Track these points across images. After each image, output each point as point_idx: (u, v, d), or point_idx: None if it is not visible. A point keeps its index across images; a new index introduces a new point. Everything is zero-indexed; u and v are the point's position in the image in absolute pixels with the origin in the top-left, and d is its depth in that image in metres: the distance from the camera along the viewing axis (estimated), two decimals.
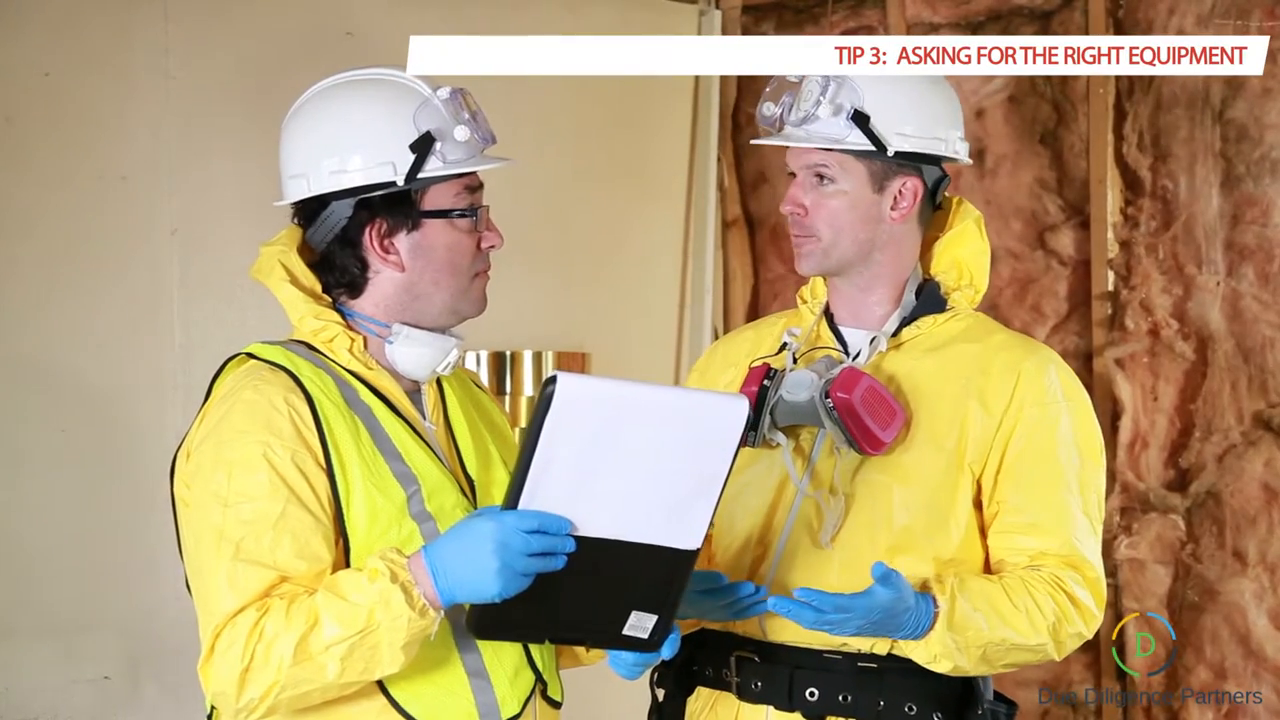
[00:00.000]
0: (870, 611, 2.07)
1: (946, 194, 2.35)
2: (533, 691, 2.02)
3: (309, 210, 2.02)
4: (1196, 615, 3.65)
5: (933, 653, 2.13)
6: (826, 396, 2.16)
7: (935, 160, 2.28)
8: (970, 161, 2.36)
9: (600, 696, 2.79)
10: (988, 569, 2.24)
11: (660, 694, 2.36)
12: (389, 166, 1.97)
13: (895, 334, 2.28)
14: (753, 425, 2.21)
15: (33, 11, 3.26)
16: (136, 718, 3.33)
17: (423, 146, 1.96)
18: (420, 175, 1.97)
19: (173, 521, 1.99)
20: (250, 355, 1.99)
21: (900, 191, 2.26)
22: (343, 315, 2.02)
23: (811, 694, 2.20)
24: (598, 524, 1.83)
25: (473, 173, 2.01)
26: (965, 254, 2.33)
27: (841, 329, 2.32)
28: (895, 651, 2.18)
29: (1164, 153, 3.71)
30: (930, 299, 2.30)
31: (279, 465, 1.88)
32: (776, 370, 2.25)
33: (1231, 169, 3.63)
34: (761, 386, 2.22)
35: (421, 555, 1.85)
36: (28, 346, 3.25)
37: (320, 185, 1.99)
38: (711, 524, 1.94)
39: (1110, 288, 3.78)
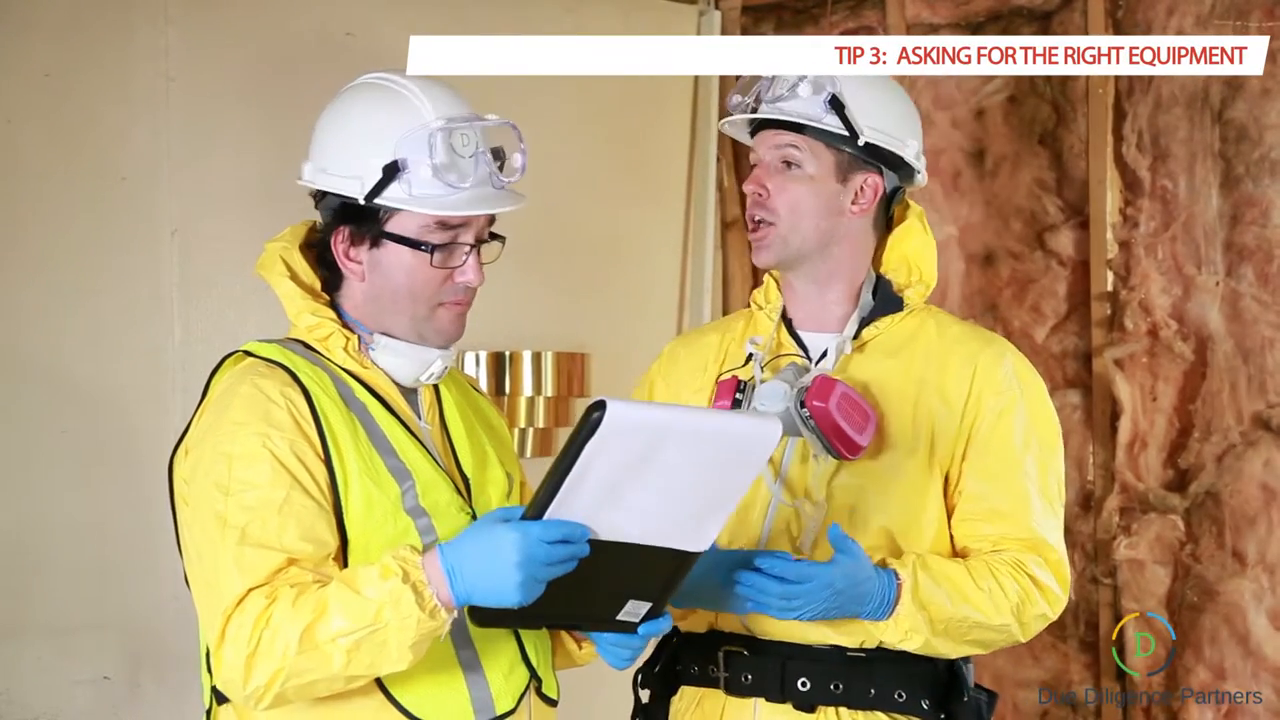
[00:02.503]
0: (833, 581, 2.10)
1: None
2: (527, 688, 2.03)
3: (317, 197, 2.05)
4: (1196, 615, 3.66)
5: (903, 629, 2.17)
6: (802, 406, 2.19)
7: (896, 165, 2.34)
8: (925, 183, 2.40)
9: (596, 696, 2.79)
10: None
11: (645, 695, 2.38)
12: (357, 181, 1.97)
13: (856, 335, 2.31)
14: None
15: (33, 12, 3.26)
16: (136, 718, 3.33)
17: (389, 172, 1.95)
18: (377, 200, 1.96)
19: (172, 519, 2.00)
20: (247, 353, 2.01)
21: (862, 187, 2.31)
22: (339, 314, 2.03)
23: (803, 684, 2.23)
24: (616, 530, 1.85)
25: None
26: (911, 249, 2.37)
27: (801, 333, 2.35)
28: (869, 643, 2.22)
29: (1163, 153, 3.71)
30: (887, 298, 2.34)
31: (279, 454, 1.89)
32: (745, 383, 2.27)
33: (1231, 169, 3.63)
34: (734, 401, 2.25)
35: (437, 556, 1.85)
36: (27, 346, 3.24)
37: (309, 178, 2.03)
38: None
39: (1109, 288, 3.78)
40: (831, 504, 2.25)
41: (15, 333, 3.23)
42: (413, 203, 1.95)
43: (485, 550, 1.82)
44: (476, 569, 1.82)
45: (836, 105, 2.28)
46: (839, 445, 2.20)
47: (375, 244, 1.98)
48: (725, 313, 4.38)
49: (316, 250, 2.04)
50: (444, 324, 2.02)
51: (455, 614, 1.86)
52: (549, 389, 3.94)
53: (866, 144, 2.29)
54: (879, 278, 2.36)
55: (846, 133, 2.28)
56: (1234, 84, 3.61)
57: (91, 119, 3.32)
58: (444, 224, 1.97)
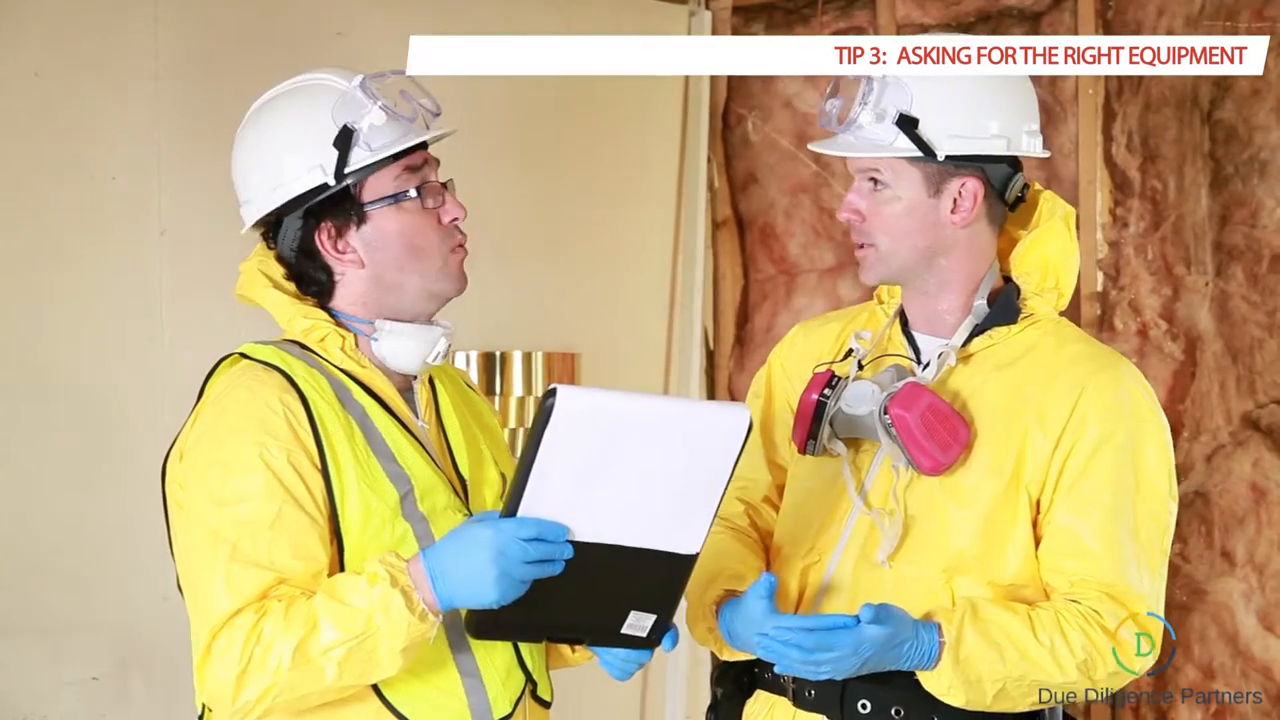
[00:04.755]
0: (859, 647, 1.99)
1: (1036, 186, 2.24)
2: (523, 691, 2.02)
3: (269, 231, 2.03)
4: (1185, 615, 3.66)
5: (945, 684, 2.03)
6: (885, 413, 2.09)
7: (998, 158, 2.16)
8: (1046, 153, 2.22)
9: (589, 697, 2.80)
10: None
11: (719, 693, 2.30)
12: (318, 169, 1.96)
13: (965, 344, 2.17)
14: (812, 434, 2.15)
15: (22, 12, 3.25)
16: (125, 719, 3.32)
17: (344, 141, 1.95)
18: (348, 170, 1.96)
19: (162, 523, 1.99)
20: (243, 355, 1.99)
21: (959, 193, 2.14)
22: (331, 315, 2.02)
23: (864, 706, 2.12)
24: (596, 529, 1.83)
25: (408, 152, 1.99)
26: (1052, 254, 2.20)
27: (915, 334, 2.22)
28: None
29: (1153, 153, 3.72)
30: (1003, 307, 2.18)
31: (275, 465, 1.88)
32: (839, 378, 2.17)
33: (1220, 170, 3.63)
34: (821, 394, 2.15)
35: (420, 560, 1.85)
36: (16, 346, 3.24)
37: (264, 204, 2.00)
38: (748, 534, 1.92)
39: (1099, 288, 3.78)
40: (911, 517, 2.11)
41: (4, 332, 3.23)
42: (379, 153, 1.95)
43: (462, 550, 1.82)
44: (455, 570, 1.82)
45: (906, 124, 2.10)
46: (918, 459, 2.08)
47: (361, 221, 1.98)
48: (716, 312, 4.39)
49: (292, 268, 2.02)
50: (454, 270, 2.02)
51: (441, 618, 1.86)
52: (540, 389, 3.94)
53: (947, 156, 2.11)
54: (1006, 281, 2.21)
55: (921, 154, 2.10)
56: (1223, 85, 3.61)
57: (81, 119, 3.32)
58: (410, 168, 1.98)
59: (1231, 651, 3.61)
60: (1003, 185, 2.18)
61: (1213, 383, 3.64)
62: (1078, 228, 3.78)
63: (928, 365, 2.18)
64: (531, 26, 3.98)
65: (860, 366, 2.20)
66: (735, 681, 2.28)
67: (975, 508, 2.11)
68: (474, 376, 3.87)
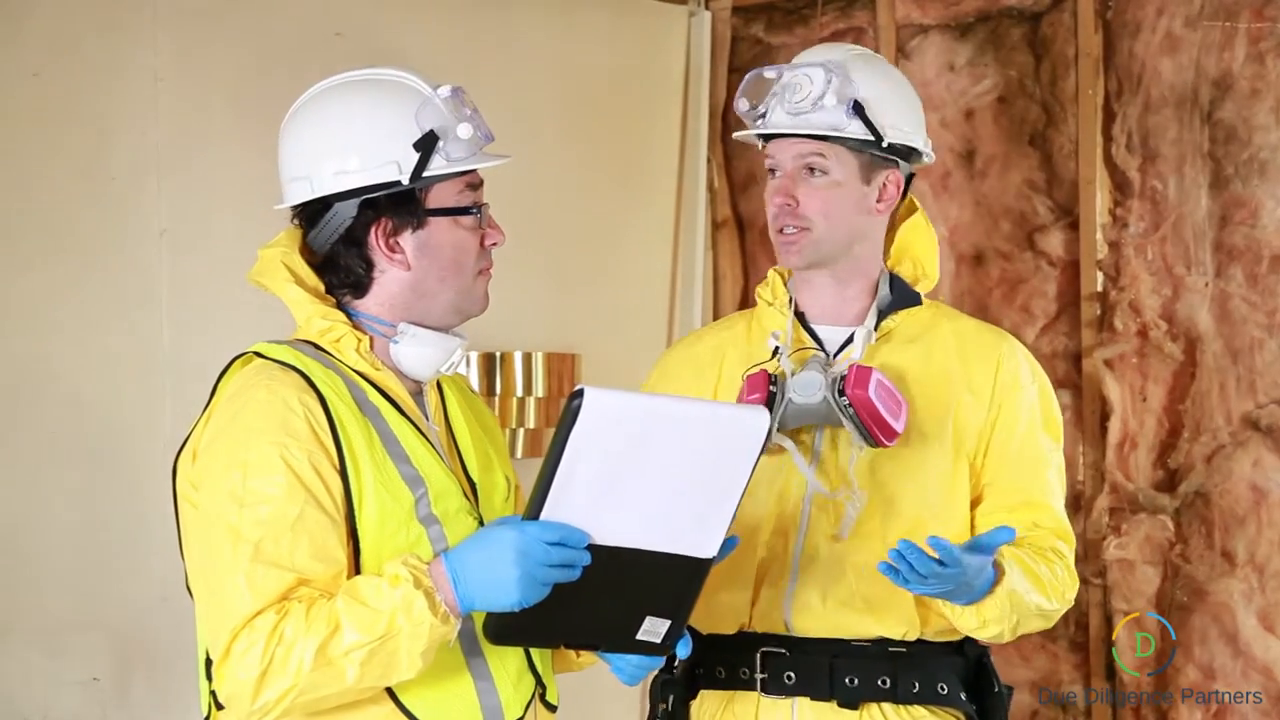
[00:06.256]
0: (966, 569, 2.09)
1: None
2: (533, 695, 2.02)
3: (311, 212, 2.00)
4: (1185, 616, 3.66)
5: (984, 618, 2.18)
6: (841, 395, 2.21)
7: (907, 154, 2.36)
8: (933, 160, 2.42)
9: (590, 701, 2.79)
10: None
11: (669, 700, 2.35)
12: (393, 166, 1.96)
13: (875, 327, 2.33)
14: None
15: (22, 12, 3.25)
16: (125, 719, 3.33)
17: (427, 145, 1.96)
18: (425, 174, 1.96)
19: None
20: (257, 354, 1.97)
21: (885, 184, 2.33)
22: (348, 315, 2.01)
23: (851, 681, 2.25)
24: (617, 533, 1.83)
25: (474, 170, 2.01)
26: (915, 244, 2.41)
27: (815, 327, 2.36)
28: (911, 634, 2.25)
29: (1153, 154, 3.72)
30: (903, 292, 2.36)
31: (296, 466, 1.86)
32: (776, 376, 2.26)
33: (1220, 170, 3.63)
34: (769, 394, 2.24)
35: (442, 562, 1.85)
36: (16, 347, 3.24)
37: (324, 187, 1.98)
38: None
39: (1099, 288, 3.78)
40: (867, 492, 2.27)
41: (3, 333, 3.23)
42: (454, 166, 1.97)
43: (484, 551, 1.82)
44: (477, 571, 1.82)
45: (859, 110, 2.28)
46: (878, 432, 2.21)
47: (419, 226, 1.98)
48: (716, 312, 4.38)
49: (325, 258, 2.01)
50: (481, 292, 2.05)
51: (461, 620, 1.85)
52: (540, 389, 3.94)
53: (889, 144, 2.31)
54: (889, 271, 2.39)
55: (872, 138, 2.29)
56: (1222, 85, 3.61)
57: (80, 119, 3.32)
58: (471, 185, 2.01)
59: (1232, 652, 3.60)
60: (907, 181, 2.39)
61: (1213, 383, 3.64)
62: (1077, 227, 3.81)
63: (839, 351, 2.32)
64: (530, 26, 3.99)
65: (775, 356, 2.31)
66: (686, 685, 2.35)
67: (922, 475, 2.28)
68: (474, 377, 3.87)
